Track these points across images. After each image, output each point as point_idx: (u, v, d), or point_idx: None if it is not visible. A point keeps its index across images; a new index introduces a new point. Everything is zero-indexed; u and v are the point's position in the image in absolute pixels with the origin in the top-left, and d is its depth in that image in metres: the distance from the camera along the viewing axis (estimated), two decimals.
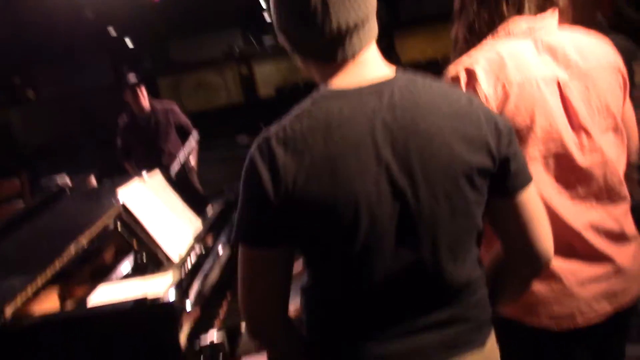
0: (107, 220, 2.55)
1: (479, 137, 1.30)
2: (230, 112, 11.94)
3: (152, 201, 2.53)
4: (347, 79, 1.34)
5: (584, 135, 1.64)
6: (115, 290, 2.15)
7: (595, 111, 1.67)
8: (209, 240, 2.68)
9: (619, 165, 1.72)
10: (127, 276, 2.38)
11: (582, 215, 1.65)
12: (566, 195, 1.64)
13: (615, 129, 1.71)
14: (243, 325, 2.26)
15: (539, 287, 1.62)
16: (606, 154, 1.67)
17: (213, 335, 2.04)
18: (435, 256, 1.30)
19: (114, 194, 2.83)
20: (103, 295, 2.12)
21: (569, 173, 1.64)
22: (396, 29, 14.08)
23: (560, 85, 1.64)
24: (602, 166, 1.67)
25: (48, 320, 2.00)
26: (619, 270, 1.68)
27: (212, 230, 2.77)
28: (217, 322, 2.33)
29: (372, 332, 1.33)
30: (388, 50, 13.52)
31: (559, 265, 1.61)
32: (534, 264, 1.44)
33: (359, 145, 1.26)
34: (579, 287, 1.64)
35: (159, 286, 2.11)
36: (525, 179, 1.37)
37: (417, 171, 1.27)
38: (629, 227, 1.74)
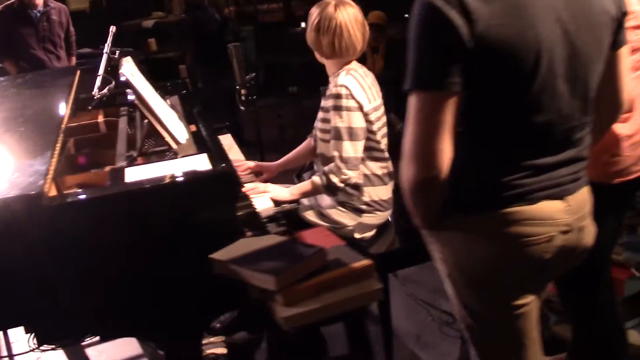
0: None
1: None
2: None
3: (144, 84, 2.35)
4: None
5: None
6: (148, 171, 2.00)
7: None
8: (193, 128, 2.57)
9: None
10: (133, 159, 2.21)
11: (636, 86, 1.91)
12: None
13: None
14: None
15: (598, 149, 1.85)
16: None
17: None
18: (587, 96, 1.47)
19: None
20: (139, 175, 1.96)
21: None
22: None
23: None
24: None
25: (96, 196, 1.81)
26: None
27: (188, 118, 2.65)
28: None
29: (525, 167, 1.45)
30: None
31: (620, 130, 1.84)
32: (616, 111, 1.67)
33: None
34: (630, 150, 1.92)
35: (192, 164, 2.01)
36: (626, 37, 1.57)
37: (580, 19, 1.41)
38: None
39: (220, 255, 1.77)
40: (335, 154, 2.31)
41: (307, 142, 2.70)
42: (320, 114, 2.44)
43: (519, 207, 1.45)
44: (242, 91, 2.73)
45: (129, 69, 2.26)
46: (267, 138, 4.64)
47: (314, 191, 2.39)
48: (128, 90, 2.19)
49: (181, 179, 1.84)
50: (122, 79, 2.18)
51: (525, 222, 1.46)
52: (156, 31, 8.10)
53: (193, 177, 1.86)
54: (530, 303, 1.57)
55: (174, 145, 2.22)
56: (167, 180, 1.84)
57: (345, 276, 1.70)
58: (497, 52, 1.33)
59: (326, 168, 2.35)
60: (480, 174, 1.47)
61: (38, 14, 4.99)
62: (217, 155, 2.19)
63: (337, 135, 2.31)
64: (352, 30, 2.35)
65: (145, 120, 2.26)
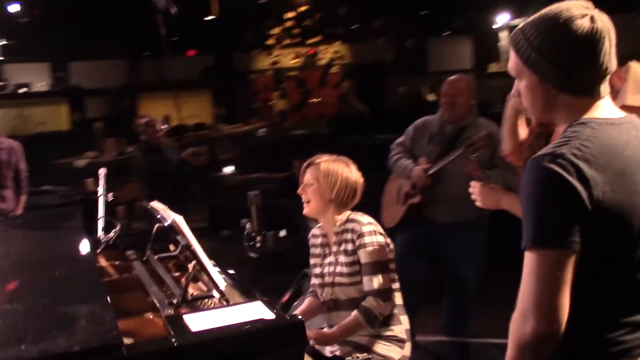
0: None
1: None
2: None
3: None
4: (599, 112, 1.60)
5: None
6: (208, 319, 1.96)
7: None
8: None
9: None
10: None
11: None
12: None
13: None
14: None
15: None
16: None
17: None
18: None
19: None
20: (202, 323, 1.91)
21: None
22: (140, 90, 14.10)
23: None
24: None
25: (167, 347, 1.75)
26: None
27: None
28: None
29: (626, 324, 1.55)
30: (131, 111, 13.36)
31: None
32: None
33: None
34: None
35: (251, 311, 2.00)
36: None
37: None
38: None
39: None
40: (374, 287, 2.41)
41: (310, 301, 2.73)
42: (343, 259, 2.52)
43: None
44: (258, 238, 2.77)
45: (170, 213, 2.27)
46: None
47: (356, 329, 2.44)
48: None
49: (258, 327, 1.83)
50: (167, 222, 2.19)
51: None
52: (89, 171, 8.00)
53: (268, 326, 1.85)
54: None
55: (217, 289, 2.20)
56: (245, 329, 1.82)
57: None
58: (610, 215, 1.47)
59: (365, 304, 2.42)
60: (583, 331, 1.55)
61: None
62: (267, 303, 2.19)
63: (373, 271, 2.44)
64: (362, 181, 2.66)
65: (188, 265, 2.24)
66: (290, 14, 14.29)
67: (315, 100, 15.15)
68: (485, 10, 13.60)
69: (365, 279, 2.45)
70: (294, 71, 15.29)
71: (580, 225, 1.46)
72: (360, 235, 2.48)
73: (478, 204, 2.44)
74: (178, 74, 14.36)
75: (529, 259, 1.50)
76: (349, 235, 2.53)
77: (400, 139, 4.30)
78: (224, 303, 2.15)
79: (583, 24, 1.54)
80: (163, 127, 6.39)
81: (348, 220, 2.57)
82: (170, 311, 2.10)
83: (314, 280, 2.67)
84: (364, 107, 13.57)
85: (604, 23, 1.56)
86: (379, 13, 14.03)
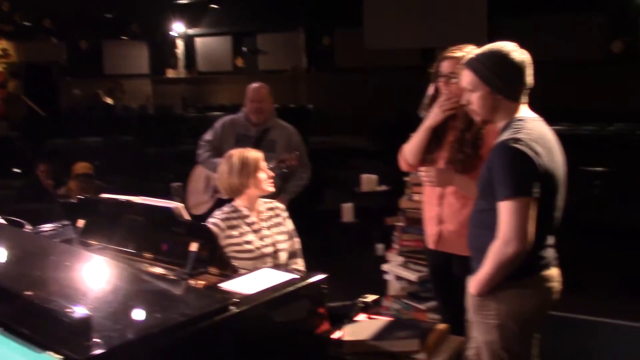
0: None
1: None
2: None
3: None
4: (525, 113, 2.51)
5: None
6: (244, 285, 2.26)
7: None
8: None
9: None
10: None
11: None
12: None
13: None
14: None
15: None
16: None
17: None
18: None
19: None
20: (246, 287, 2.21)
21: None
22: None
23: None
24: None
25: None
26: None
27: None
28: None
29: (547, 246, 2.49)
30: None
31: None
32: None
33: (556, 145, 2.49)
34: None
35: (270, 276, 2.35)
36: None
37: (561, 159, 2.55)
38: None
39: (352, 336, 2.27)
40: (299, 247, 3.21)
41: None
42: (280, 229, 3.11)
43: (547, 271, 2.48)
44: None
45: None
46: None
47: None
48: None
49: (298, 285, 2.22)
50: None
51: (552, 279, 2.49)
52: None
53: (306, 284, 2.25)
54: None
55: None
56: (294, 287, 2.22)
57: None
58: (548, 176, 2.38)
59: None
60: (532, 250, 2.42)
61: None
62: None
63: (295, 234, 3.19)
64: None
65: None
66: None
67: None
68: (161, 18, 14.09)
69: (295, 240, 3.17)
70: None
71: (538, 182, 2.32)
72: (284, 209, 3.11)
73: (432, 184, 2.95)
74: None
75: (509, 205, 2.31)
76: (277, 211, 3.09)
77: (207, 136, 4.70)
78: (231, 275, 2.45)
79: (516, 55, 2.44)
80: None
81: (264, 203, 3.12)
82: (194, 282, 2.34)
83: (246, 255, 3.03)
84: (39, 109, 12.92)
85: (527, 55, 2.46)
86: (51, 13, 13.43)
